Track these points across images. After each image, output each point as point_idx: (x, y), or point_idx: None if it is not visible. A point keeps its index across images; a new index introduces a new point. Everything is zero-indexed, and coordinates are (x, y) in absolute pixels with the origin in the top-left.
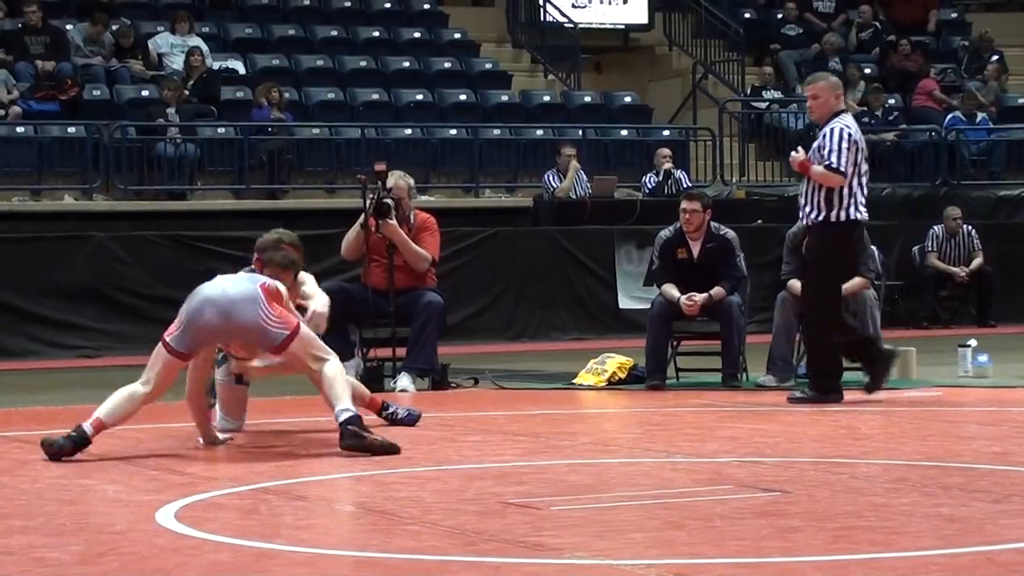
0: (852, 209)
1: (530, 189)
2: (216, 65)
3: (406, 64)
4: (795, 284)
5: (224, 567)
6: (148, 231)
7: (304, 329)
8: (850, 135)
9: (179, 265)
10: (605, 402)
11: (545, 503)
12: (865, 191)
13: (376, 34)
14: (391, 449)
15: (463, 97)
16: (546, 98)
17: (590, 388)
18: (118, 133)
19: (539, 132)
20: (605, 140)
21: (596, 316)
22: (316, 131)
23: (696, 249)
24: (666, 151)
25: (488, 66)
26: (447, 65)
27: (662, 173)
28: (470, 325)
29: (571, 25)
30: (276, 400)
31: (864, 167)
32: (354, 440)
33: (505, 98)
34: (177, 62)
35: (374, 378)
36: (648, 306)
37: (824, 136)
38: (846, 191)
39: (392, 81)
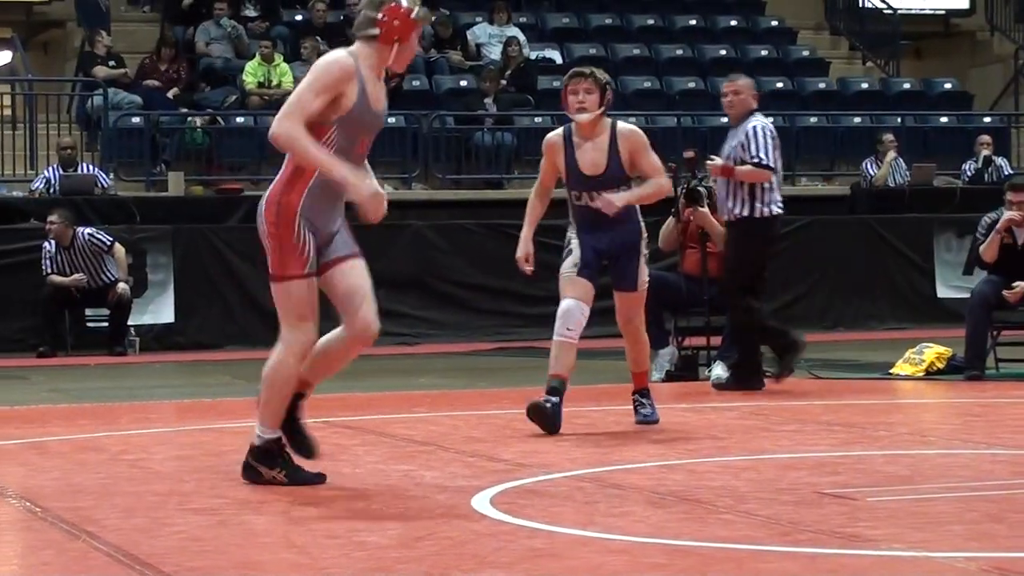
0: (773, 205)
1: (847, 177)
2: (533, 55)
3: (723, 52)
4: None
5: (540, 553)
6: (465, 220)
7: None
8: (772, 133)
9: (496, 254)
10: (923, 392)
11: (861, 494)
12: (780, 188)
13: (693, 22)
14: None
15: (780, 84)
16: (864, 85)
17: (907, 378)
18: (437, 123)
19: (857, 119)
20: (924, 127)
21: (914, 305)
22: (632, 119)
23: (1021, 237)
24: (986, 138)
25: (805, 53)
26: (764, 53)
27: (982, 160)
28: (786, 314)
29: (891, 11)
30: (591, 388)
31: (779, 164)
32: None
33: (823, 85)
34: (495, 52)
35: (689, 367)
36: (967, 295)
37: (747, 135)
38: (767, 187)
39: (709, 69)
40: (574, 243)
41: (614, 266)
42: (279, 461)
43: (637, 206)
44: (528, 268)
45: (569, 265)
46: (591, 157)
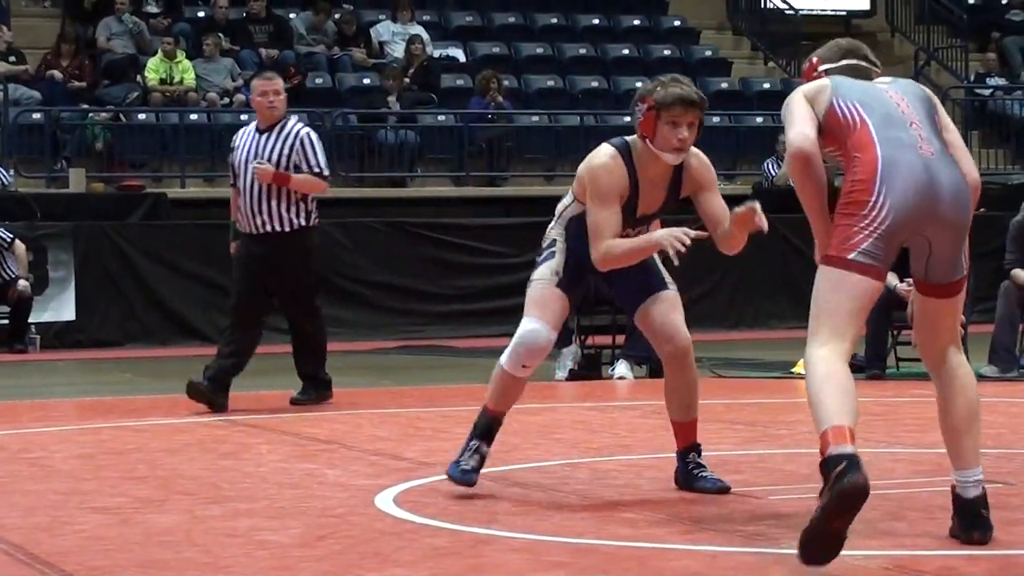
0: (315, 213)
1: (749, 177)
2: (436, 53)
3: (626, 51)
4: (1018, 273)
5: (442, 552)
6: (368, 217)
7: None
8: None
9: (399, 252)
10: None
11: (763, 492)
12: None
13: (596, 22)
14: None
15: None
16: (766, 85)
17: None
18: (339, 121)
19: (759, 119)
20: None
21: None
22: (535, 119)
23: None
24: None
25: (708, 53)
26: (666, 52)
27: None
28: (688, 313)
29: (792, 11)
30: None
31: None
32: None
33: (724, 85)
34: (398, 50)
35: (592, 366)
36: None
37: (301, 142)
38: (313, 196)
39: (611, 68)
40: (559, 245)
41: (621, 276)
42: None
43: None
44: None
45: (547, 272)
46: (650, 199)
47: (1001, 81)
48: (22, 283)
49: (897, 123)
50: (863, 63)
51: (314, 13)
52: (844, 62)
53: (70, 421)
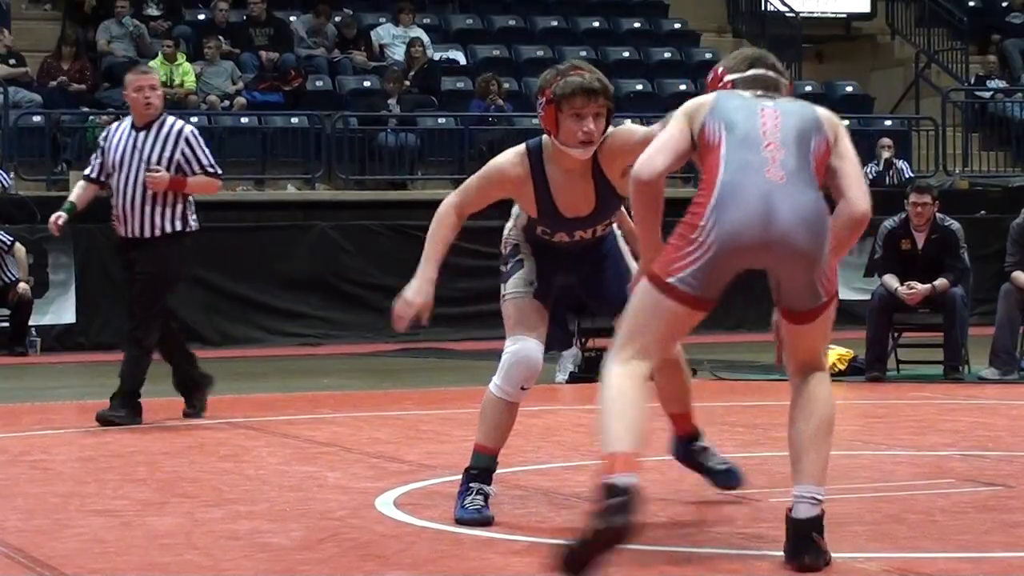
0: (193, 217)
1: None
2: (437, 56)
3: (626, 54)
4: (1019, 276)
5: (443, 555)
6: (369, 220)
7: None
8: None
9: (399, 254)
10: None
11: (763, 495)
12: None
13: (596, 24)
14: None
15: (683, 87)
16: None
17: None
18: (340, 123)
19: None
20: None
21: None
22: (535, 121)
23: (921, 240)
24: (887, 141)
25: (708, 56)
26: (667, 55)
27: (883, 163)
28: None
29: (792, 14)
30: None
31: None
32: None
33: None
34: (398, 53)
35: (593, 368)
36: (868, 297)
37: (187, 141)
38: (192, 198)
39: (612, 71)
40: (524, 251)
41: (590, 285)
42: None
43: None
44: (424, 320)
45: (520, 284)
46: (572, 197)
47: (1001, 84)
48: (22, 286)
49: (752, 144)
50: (771, 72)
51: (314, 16)
52: (751, 72)
53: (71, 424)
